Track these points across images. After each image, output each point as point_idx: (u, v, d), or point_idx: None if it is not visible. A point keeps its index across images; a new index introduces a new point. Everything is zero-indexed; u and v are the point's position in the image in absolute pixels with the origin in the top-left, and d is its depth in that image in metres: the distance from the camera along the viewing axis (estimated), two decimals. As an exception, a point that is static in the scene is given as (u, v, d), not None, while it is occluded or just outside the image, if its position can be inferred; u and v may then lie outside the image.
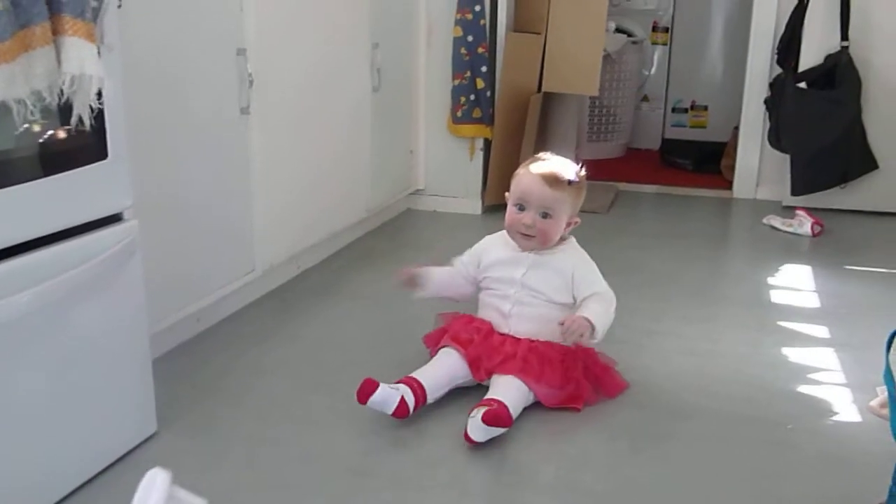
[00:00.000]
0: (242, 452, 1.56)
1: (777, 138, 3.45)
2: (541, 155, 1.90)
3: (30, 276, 1.24)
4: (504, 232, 1.87)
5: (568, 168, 1.83)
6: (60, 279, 1.28)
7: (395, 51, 3.08)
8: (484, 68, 3.23)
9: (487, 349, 1.77)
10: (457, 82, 3.28)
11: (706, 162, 4.22)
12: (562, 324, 1.71)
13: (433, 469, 1.52)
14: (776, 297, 2.48)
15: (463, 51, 3.23)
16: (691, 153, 4.38)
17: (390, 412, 1.61)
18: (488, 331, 1.81)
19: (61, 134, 1.27)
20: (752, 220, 3.38)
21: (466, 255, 1.92)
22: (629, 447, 1.61)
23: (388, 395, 1.61)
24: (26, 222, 1.25)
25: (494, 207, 3.38)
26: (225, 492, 1.43)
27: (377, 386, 1.61)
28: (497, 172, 3.33)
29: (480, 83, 3.24)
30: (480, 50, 3.22)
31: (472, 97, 3.27)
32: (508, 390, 1.68)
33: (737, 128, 3.85)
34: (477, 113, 3.29)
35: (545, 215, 1.79)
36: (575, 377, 1.76)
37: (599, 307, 1.77)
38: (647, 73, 4.97)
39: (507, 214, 1.84)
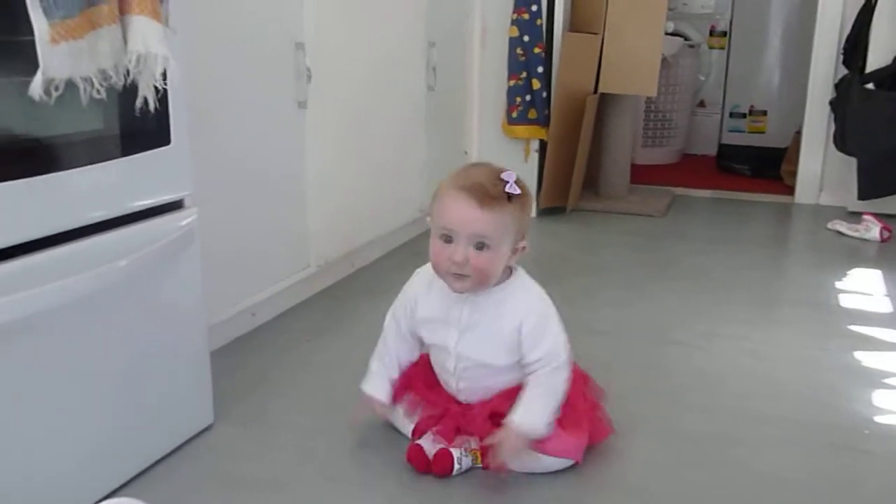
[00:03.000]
0: (298, 444, 1.54)
1: (843, 141, 3.35)
2: (468, 164, 1.51)
3: (90, 260, 1.23)
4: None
5: (504, 177, 1.40)
6: (120, 263, 1.27)
7: (450, 50, 3.06)
8: (540, 69, 3.19)
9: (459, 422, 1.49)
10: (512, 83, 3.24)
11: (765, 167, 4.14)
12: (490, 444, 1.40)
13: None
14: (845, 301, 2.38)
15: (519, 51, 3.19)
16: (749, 158, 4.31)
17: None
18: (446, 400, 1.54)
19: (126, 117, 1.26)
20: (816, 225, 3.28)
21: (397, 305, 1.60)
22: (694, 453, 1.54)
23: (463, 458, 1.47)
24: (86, 206, 1.24)
25: (549, 210, 3.33)
26: (282, 482, 1.41)
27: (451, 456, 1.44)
28: (552, 174, 3.28)
29: (536, 84, 3.20)
30: (537, 50, 3.18)
31: (528, 98, 3.23)
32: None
33: (798, 132, 3.75)
34: (532, 114, 3.25)
35: (481, 246, 1.38)
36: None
37: (542, 392, 1.41)
38: (702, 77, 4.89)
39: (431, 248, 1.43)
